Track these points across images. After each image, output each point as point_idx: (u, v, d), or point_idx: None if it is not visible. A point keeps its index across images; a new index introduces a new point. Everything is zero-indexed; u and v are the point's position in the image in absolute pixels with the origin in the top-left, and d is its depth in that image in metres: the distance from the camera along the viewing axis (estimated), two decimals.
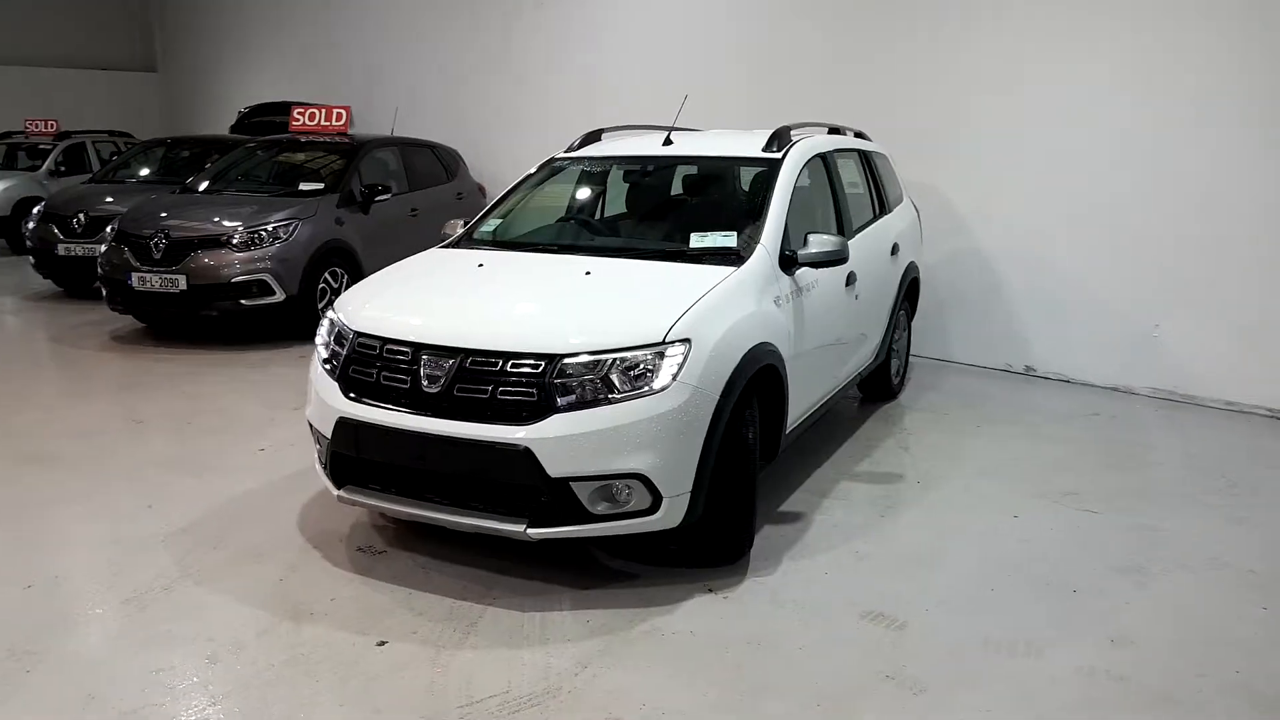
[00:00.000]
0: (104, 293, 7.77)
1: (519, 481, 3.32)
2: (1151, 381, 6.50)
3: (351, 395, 3.61)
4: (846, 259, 4.26)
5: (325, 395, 3.69)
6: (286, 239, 7.52)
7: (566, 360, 3.32)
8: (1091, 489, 4.71)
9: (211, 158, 9.63)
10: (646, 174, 5.02)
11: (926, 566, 3.84)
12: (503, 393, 3.34)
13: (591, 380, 3.31)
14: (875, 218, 5.73)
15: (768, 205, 4.33)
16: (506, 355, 3.37)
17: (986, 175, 7.04)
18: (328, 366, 3.76)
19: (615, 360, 3.33)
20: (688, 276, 3.86)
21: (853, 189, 5.74)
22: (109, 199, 9.40)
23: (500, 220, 4.80)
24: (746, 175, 4.61)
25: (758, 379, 3.82)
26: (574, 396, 3.30)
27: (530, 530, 3.33)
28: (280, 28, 14.35)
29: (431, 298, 3.96)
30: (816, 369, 4.56)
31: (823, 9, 7.82)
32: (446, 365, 3.43)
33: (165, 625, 3.30)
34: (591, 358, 3.33)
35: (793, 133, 4.97)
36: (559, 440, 3.26)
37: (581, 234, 4.74)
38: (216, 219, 7.62)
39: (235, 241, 7.41)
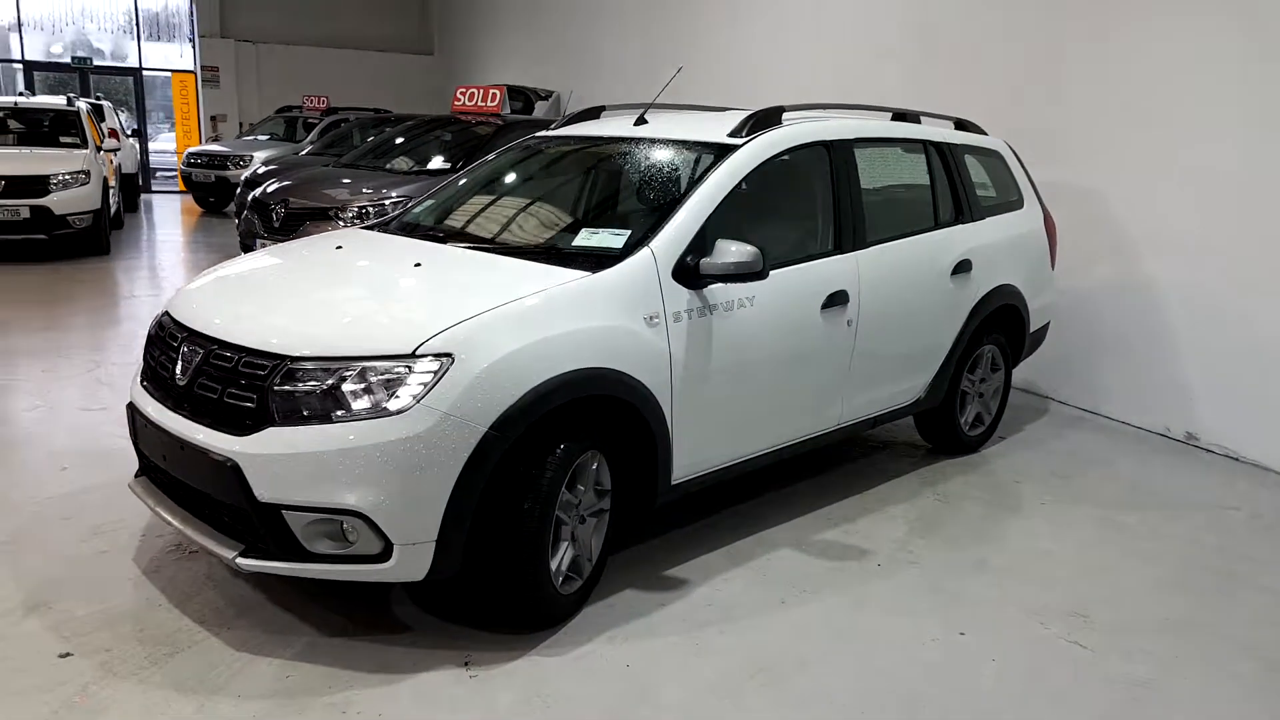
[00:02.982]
0: None
1: (229, 501, 2.86)
2: None
3: (144, 380, 3.32)
4: (760, 274, 3.34)
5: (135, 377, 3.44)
6: None
7: (295, 365, 2.80)
8: (1112, 616, 3.43)
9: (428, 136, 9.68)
10: (589, 158, 4.29)
11: (765, 685, 2.90)
12: (229, 395, 2.89)
13: (320, 392, 2.77)
14: (934, 226, 4.60)
15: (682, 202, 3.51)
16: (241, 351, 2.92)
17: (1168, 186, 5.49)
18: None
19: (349, 371, 2.77)
20: (528, 278, 3.18)
21: (897, 189, 4.66)
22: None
23: (434, 201, 4.32)
24: (690, 164, 3.77)
25: (592, 414, 3.10)
26: (296, 409, 2.78)
27: (240, 560, 2.86)
28: (533, 17, 14.68)
29: (251, 281, 3.55)
30: (749, 409, 3.68)
31: None
32: (196, 357, 3.04)
33: None
34: (321, 365, 2.79)
35: (788, 115, 4.05)
36: (269, 459, 2.75)
37: (474, 220, 4.10)
38: (335, 192, 7.76)
39: (345, 215, 7.49)
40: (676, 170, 3.77)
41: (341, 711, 2.68)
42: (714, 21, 9.78)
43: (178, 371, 3.09)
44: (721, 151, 3.73)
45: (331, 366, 2.78)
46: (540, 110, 12.31)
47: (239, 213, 8.83)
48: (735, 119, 3.96)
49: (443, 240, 3.77)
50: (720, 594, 3.44)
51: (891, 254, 4.23)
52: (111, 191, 11.56)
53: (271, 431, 2.77)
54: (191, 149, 15.37)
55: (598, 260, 3.31)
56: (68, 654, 2.88)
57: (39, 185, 9.39)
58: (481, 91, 9.07)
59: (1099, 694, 2.94)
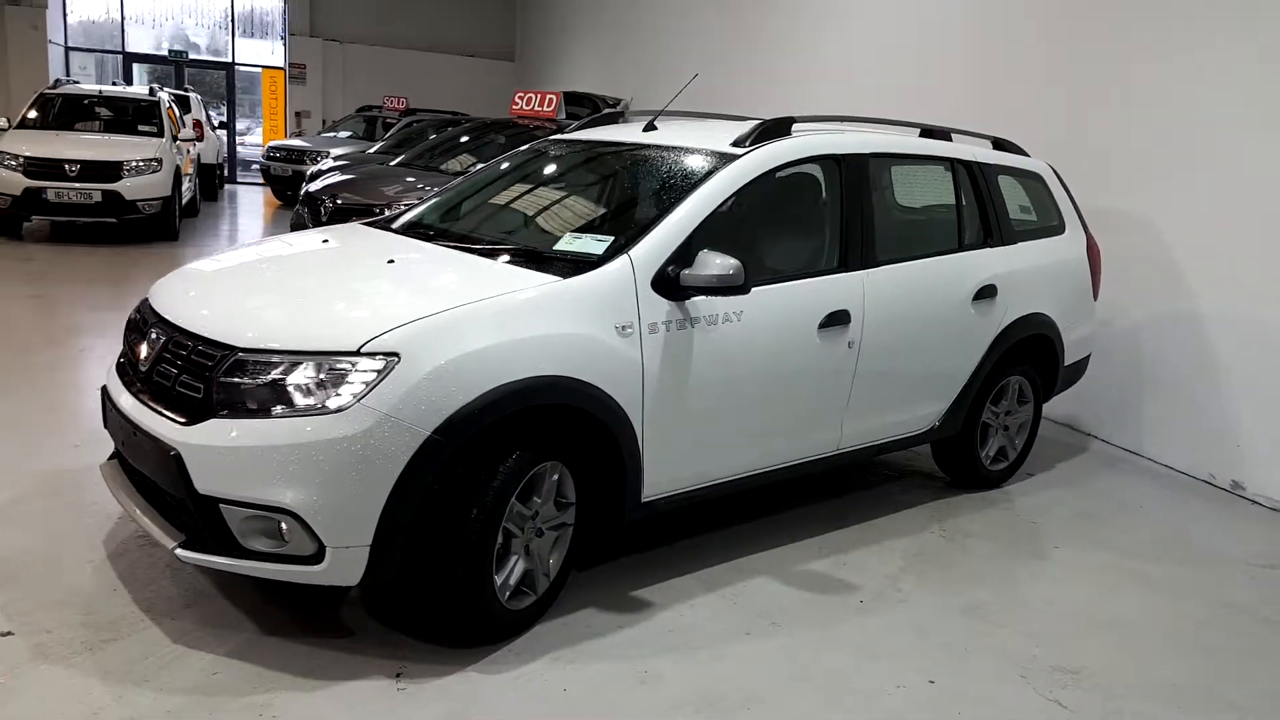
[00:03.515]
0: None
1: (172, 490, 2.83)
2: None
3: (118, 364, 3.34)
4: (741, 288, 3.19)
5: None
6: None
7: (242, 355, 2.76)
8: (1106, 675, 3.17)
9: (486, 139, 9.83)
10: (591, 163, 4.16)
11: (705, 716, 2.75)
12: (181, 384, 2.86)
13: (262, 385, 2.72)
14: (958, 248, 4.37)
15: (671, 209, 3.38)
16: (196, 339, 2.89)
17: (1226, 217, 5.13)
18: None
19: (292, 365, 2.71)
20: (495, 280, 3.09)
21: (918, 207, 4.45)
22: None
23: (439, 199, 4.27)
24: (688, 173, 3.62)
25: (553, 424, 3.02)
26: (239, 401, 2.73)
27: (180, 550, 2.82)
28: (605, 26, 14.72)
29: (231, 272, 3.52)
30: (733, 428, 3.52)
31: (1055, 12, 6.25)
32: (158, 343, 3.03)
33: None
34: (265, 357, 2.74)
35: (799, 126, 3.89)
36: (207, 450, 2.71)
37: (467, 220, 4.02)
38: (385, 190, 7.83)
39: (387, 212, 7.54)
40: (673, 178, 3.63)
41: (258, 714, 2.61)
42: (774, 31, 9.61)
43: (142, 356, 3.09)
44: (721, 161, 3.59)
45: (274, 360, 2.72)
46: None
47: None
48: (745, 128, 3.81)
49: (431, 239, 3.71)
50: (684, 620, 3.28)
51: (904, 275, 4.02)
52: (187, 180, 11.93)
53: (214, 423, 2.73)
54: (272, 143, 15.78)
55: (575, 265, 3.21)
56: (8, 633, 2.88)
57: (112, 170, 9.72)
58: (539, 96, 9.06)
59: None
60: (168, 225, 10.38)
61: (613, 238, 3.34)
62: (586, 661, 2.99)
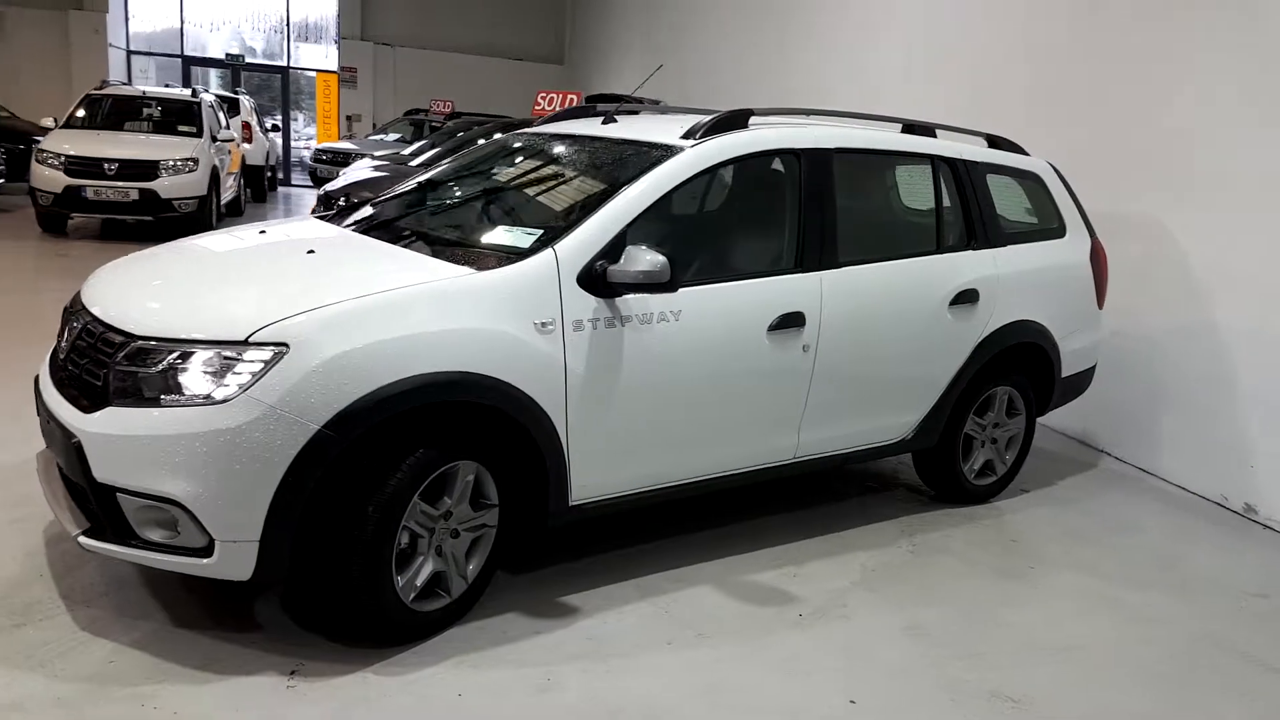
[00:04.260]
0: None
1: (74, 478, 2.81)
2: None
3: (52, 352, 3.34)
4: (667, 285, 3.07)
5: None
6: None
7: (138, 344, 2.73)
8: (1050, 706, 2.96)
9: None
10: (543, 156, 4.04)
11: None
12: (87, 370, 2.85)
13: (155, 374, 2.68)
14: (936, 249, 4.18)
15: (602, 204, 3.27)
16: (102, 326, 2.87)
17: (1246, 225, 4.83)
18: None
19: (184, 354, 2.67)
20: (407, 271, 3.02)
21: (890, 206, 4.27)
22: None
23: (398, 193, 4.22)
24: (630, 167, 3.51)
25: (465, 422, 2.95)
26: (133, 389, 2.70)
27: (82, 538, 2.80)
28: (649, 28, 14.69)
29: (160, 262, 3.47)
30: (670, 432, 3.39)
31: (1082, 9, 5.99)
32: (75, 331, 3.02)
33: None
34: (156, 345, 2.71)
35: (756, 119, 3.75)
36: (103, 438, 2.69)
37: (415, 215, 3.92)
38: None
39: None
40: (614, 172, 3.52)
41: (141, 704, 2.58)
42: (807, 31, 9.43)
43: (62, 344, 3.09)
44: (665, 154, 3.47)
45: (165, 348, 2.69)
46: None
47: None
48: (699, 121, 3.69)
49: (369, 231, 3.65)
50: (606, 628, 3.17)
51: (868, 276, 3.84)
52: (231, 179, 12.19)
53: (109, 411, 2.70)
54: (320, 145, 16.06)
55: (503, 259, 3.12)
56: None
57: (149, 169, 9.95)
58: (560, 97, 9.03)
59: None
60: (204, 224, 10.57)
61: (541, 231, 3.25)
62: (491, 667, 2.89)
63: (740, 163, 3.66)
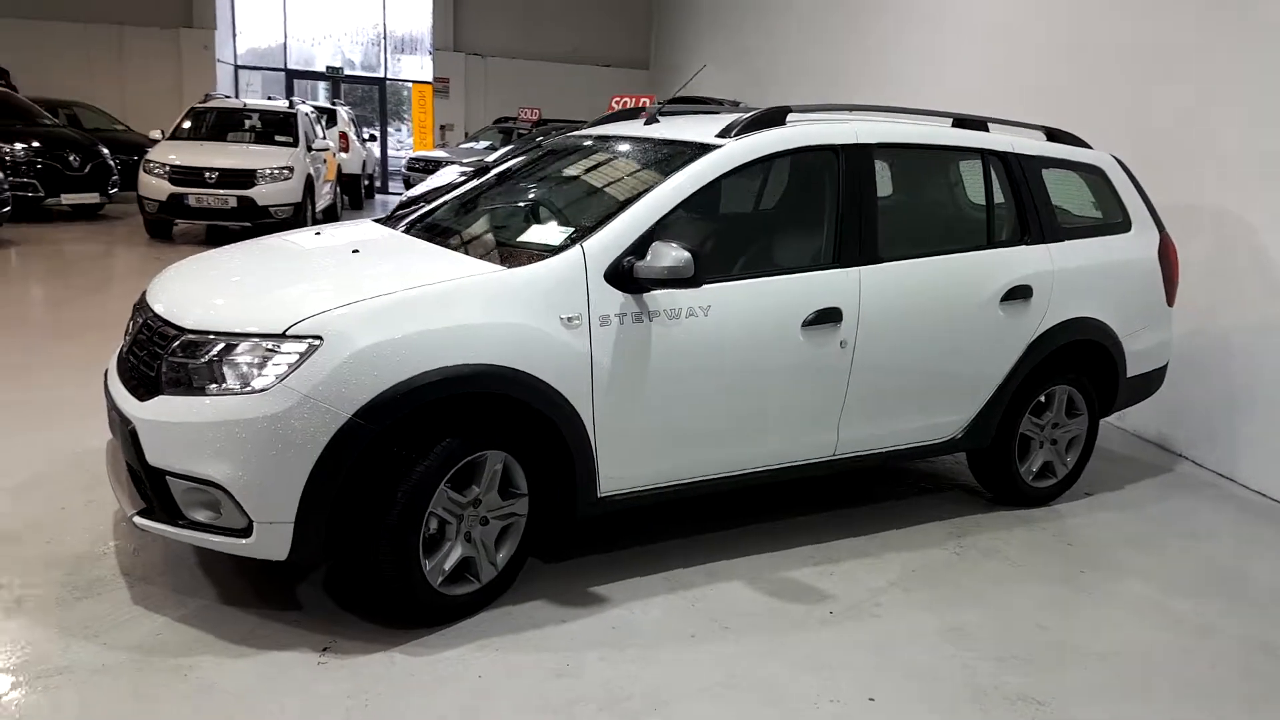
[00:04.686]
0: None
1: (130, 462, 3.01)
2: None
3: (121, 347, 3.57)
4: (690, 280, 3.11)
5: None
6: None
7: (188, 336, 2.91)
8: (1077, 710, 2.88)
9: None
10: (590, 157, 4.10)
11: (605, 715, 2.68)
12: (144, 362, 3.05)
13: (202, 364, 2.86)
14: (988, 245, 4.10)
15: (634, 201, 3.33)
16: (160, 322, 3.07)
17: None
18: None
19: (224, 346, 2.84)
20: (439, 269, 3.14)
21: (939, 201, 4.20)
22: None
23: (454, 195, 4.35)
24: (665, 164, 3.55)
25: (494, 413, 3.04)
26: (181, 379, 2.88)
27: (137, 518, 2.99)
28: (730, 31, 14.69)
29: (219, 261, 3.67)
30: (700, 426, 3.42)
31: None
32: (137, 325, 3.23)
33: None
34: (203, 338, 2.88)
35: (795, 116, 3.76)
36: (155, 425, 2.87)
37: (463, 216, 4.04)
38: None
39: None
40: (652, 170, 3.58)
41: (183, 675, 2.74)
42: (894, 30, 9.31)
43: (125, 338, 3.30)
44: (699, 152, 3.51)
45: (211, 340, 2.86)
46: None
47: None
48: (736, 119, 3.72)
49: (414, 231, 3.79)
50: (632, 618, 3.22)
51: (911, 272, 3.80)
52: (327, 187, 12.68)
53: (161, 399, 2.89)
54: (412, 154, 16.54)
55: (535, 256, 3.21)
56: None
57: (246, 178, 10.44)
58: (634, 100, 9.12)
59: None
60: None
61: (573, 229, 3.33)
62: (513, 651, 2.97)
63: (776, 159, 3.67)
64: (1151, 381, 4.77)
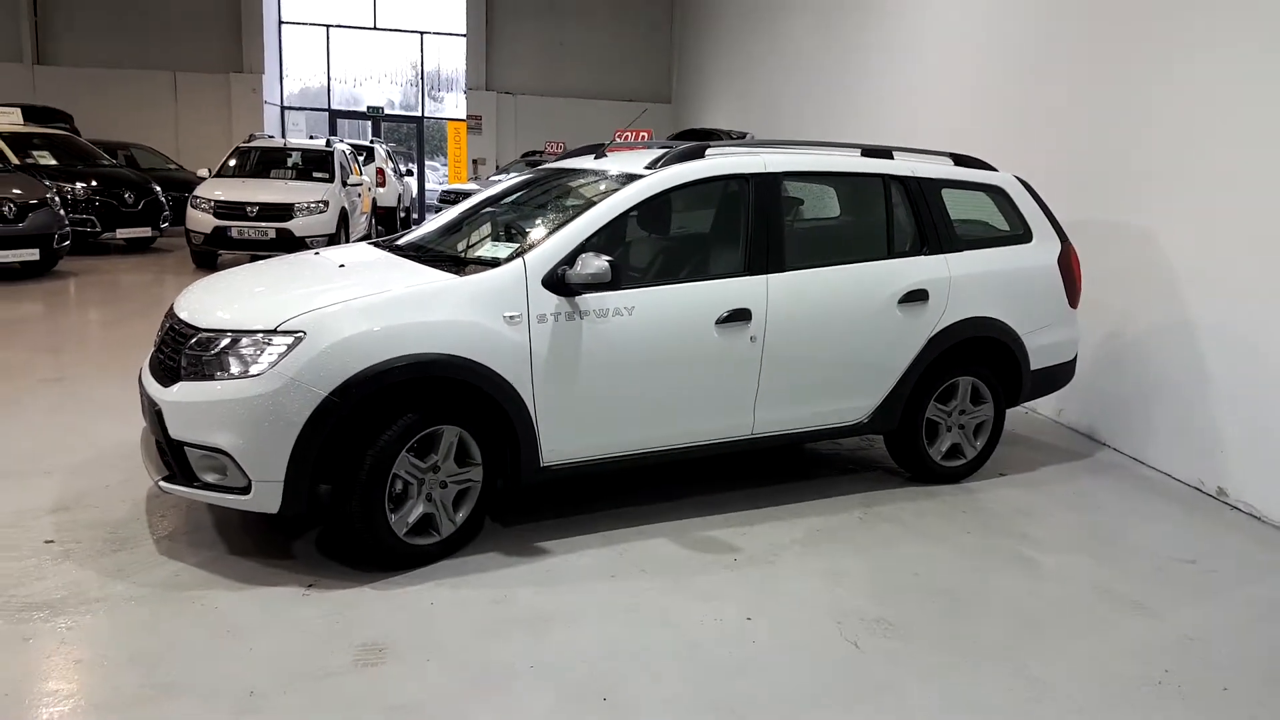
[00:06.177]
0: None
1: (157, 437, 3.77)
2: None
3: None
4: (611, 284, 3.82)
5: None
6: None
7: (203, 334, 3.68)
8: (919, 631, 3.50)
9: None
10: (548, 186, 4.85)
11: (527, 633, 3.35)
12: (168, 357, 3.82)
13: (212, 356, 3.62)
14: (887, 255, 4.74)
15: (570, 220, 4.05)
16: (181, 324, 3.84)
17: (1222, 226, 5.15)
18: None
19: (230, 340, 3.60)
20: (405, 279, 3.88)
21: (840, 220, 4.86)
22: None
23: (440, 219, 5.12)
24: (599, 191, 4.27)
25: (449, 393, 3.74)
26: (197, 369, 3.64)
27: (161, 482, 3.75)
28: (742, 67, 15.46)
29: (234, 278, 4.43)
30: (627, 407, 4.11)
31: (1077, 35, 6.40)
32: (165, 327, 4.01)
33: None
34: (213, 334, 3.64)
35: (713, 150, 4.45)
36: (176, 405, 3.63)
37: (443, 237, 4.79)
38: None
39: None
40: (590, 196, 4.30)
41: (196, 604, 3.47)
42: (880, 69, 9.97)
43: (155, 340, 4.08)
44: (627, 181, 4.22)
45: (218, 336, 3.62)
46: None
47: None
48: (662, 153, 4.42)
49: (397, 250, 4.55)
50: (566, 564, 3.90)
51: (813, 278, 4.45)
52: (363, 219, 13.62)
53: (181, 385, 3.65)
54: (445, 187, 17.50)
55: (486, 267, 3.94)
56: (50, 541, 3.92)
57: (284, 211, 11.38)
58: (634, 134, 9.88)
59: (819, 679, 3.10)
60: None
61: (517, 245, 4.05)
62: (461, 587, 3.67)
63: (695, 186, 4.36)
64: (1058, 375, 5.35)
